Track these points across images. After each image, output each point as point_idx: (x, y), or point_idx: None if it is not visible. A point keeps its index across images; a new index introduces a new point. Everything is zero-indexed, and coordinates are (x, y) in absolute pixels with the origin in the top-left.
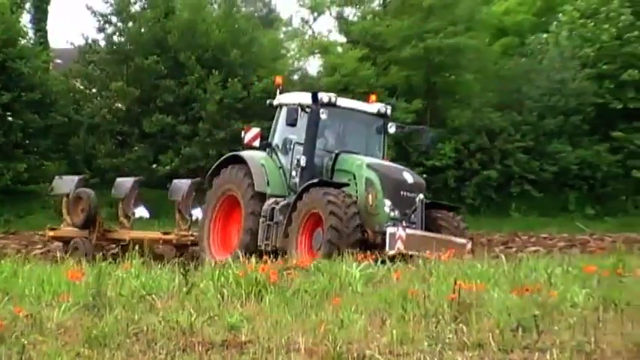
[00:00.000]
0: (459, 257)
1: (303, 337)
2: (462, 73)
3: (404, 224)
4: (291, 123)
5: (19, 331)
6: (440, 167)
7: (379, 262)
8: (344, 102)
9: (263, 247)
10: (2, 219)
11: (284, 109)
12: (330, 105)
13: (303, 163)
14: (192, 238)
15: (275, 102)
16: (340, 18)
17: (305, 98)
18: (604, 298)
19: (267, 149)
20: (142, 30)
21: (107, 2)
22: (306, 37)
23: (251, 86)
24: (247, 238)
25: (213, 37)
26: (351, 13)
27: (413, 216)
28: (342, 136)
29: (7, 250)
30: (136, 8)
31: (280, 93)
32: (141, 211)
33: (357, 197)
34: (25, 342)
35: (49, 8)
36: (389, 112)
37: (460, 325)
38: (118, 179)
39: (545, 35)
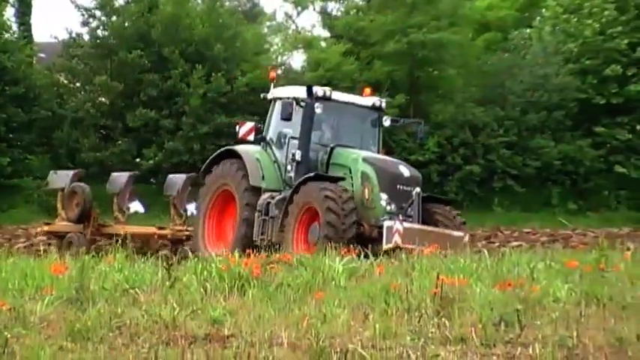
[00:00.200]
0: (457, 250)
1: (286, 331)
2: (445, 68)
3: (401, 218)
4: (286, 117)
5: (2, 324)
6: (423, 162)
7: (362, 257)
8: (339, 96)
9: (259, 242)
10: None
11: (278, 103)
12: (325, 99)
13: (298, 157)
14: (187, 233)
15: (269, 96)
16: (324, 13)
17: (300, 92)
18: (586, 293)
19: (262, 143)
20: (126, 24)
21: None
22: (290, 31)
23: (234, 81)
24: (242, 232)
25: (196, 32)
26: (334, 7)
27: (409, 209)
28: (337, 129)
29: None
30: (119, 2)
31: (274, 87)
32: (136, 206)
33: (352, 191)
34: (8, 335)
35: (33, 2)
36: (384, 105)
37: (443, 319)
38: (113, 174)
39: (528, 30)
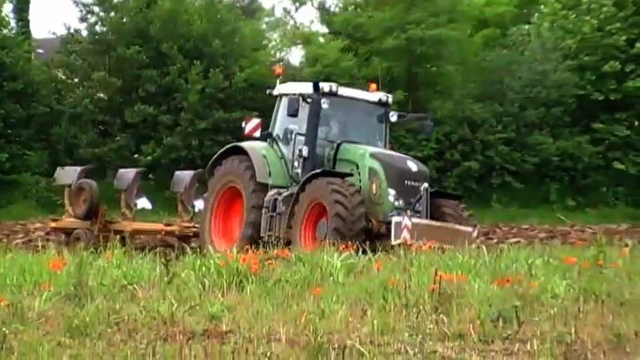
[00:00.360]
0: (465, 245)
1: (284, 327)
2: (443, 64)
3: (409, 213)
4: (293, 113)
5: (0, 320)
6: (421, 158)
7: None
8: (345, 91)
9: (266, 239)
10: None
11: (284, 100)
12: (332, 94)
13: (305, 153)
14: (194, 229)
15: (275, 92)
16: (322, 9)
17: (306, 88)
18: (584, 289)
19: (268, 140)
20: (124, 20)
21: None
22: (288, 27)
23: (233, 76)
24: (250, 229)
25: (195, 28)
26: (332, 3)
27: (417, 205)
28: (344, 125)
29: None
30: None
31: (280, 83)
32: (143, 202)
33: (360, 187)
34: (6, 331)
35: None
36: (390, 100)
37: (441, 315)
38: (121, 170)
39: (526, 27)
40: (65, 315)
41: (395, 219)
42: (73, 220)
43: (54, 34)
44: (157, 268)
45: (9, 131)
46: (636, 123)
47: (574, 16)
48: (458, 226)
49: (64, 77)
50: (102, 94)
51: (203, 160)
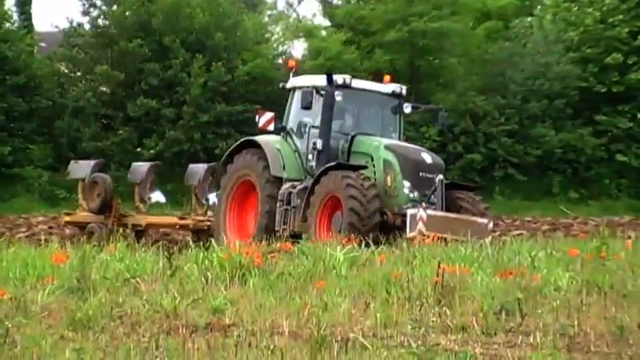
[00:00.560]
0: (481, 237)
1: (287, 320)
2: (446, 56)
3: (424, 205)
4: (306, 106)
5: (3, 313)
6: None
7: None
8: (359, 83)
9: (281, 232)
10: None
11: (298, 92)
12: (345, 86)
13: (319, 146)
14: (208, 222)
15: (288, 85)
16: (324, 1)
17: (319, 80)
18: (587, 281)
19: (282, 133)
20: (127, 13)
21: None
22: (291, 20)
23: (235, 69)
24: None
25: (197, 21)
26: None
27: (433, 197)
28: (358, 117)
29: None
30: None
31: (294, 76)
32: (157, 196)
33: (375, 179)
34: (9, 325)
35: None
36: (404, 92)
37: (444, 308)
38: (134, 164)
39: (529, 19)
40: (68, 308)
41: (410, 211)
42: (87, 214)
43: (56, 27)
44: (159, 261)
45: (11, 125)
46: (639, 115)
47: (576, 8)
48: (473, 218)
49: (66, 71)
50: (104, 88)
51: (206, 153)
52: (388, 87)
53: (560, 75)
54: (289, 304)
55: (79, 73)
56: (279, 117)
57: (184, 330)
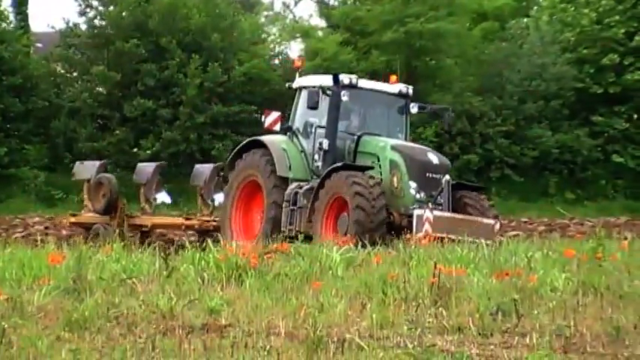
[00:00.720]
0: (488, 238)
1: (284, 320)
2: (442, 57)
3: (430, 206)
4: (313, 106)
5: (0, 314)
6: None
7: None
8: (365, 83)
9: (287, 232)
10: None
11: (304, 92)
12: (351, 86)
13: (325, 146)
14: (214, 223)
15: (294, 85)
16: (321, 2)
17: (326, 80)
18: (583, 282)
19: (288, 133)
20: (123, 14)
21: None
22: (287, 21)
23: (231, 70)
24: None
25: (193, 21)
26: None
27: (439, 197)
28: (364, 117)
29: None
30: None
31: (300, 76)
32: (162, 197)
33: (381, 179)
34: (6, 325)
35: None
36: (410, 92)
37: (440, 309)
38: (140, 164)
39: (525, 20)
40: (64, 309)
41: (417, 212)
42: (92, 215)
43: (53, 28)
44: (156, 262)
45: (8, 125)
46: (635, 116)
47: (573, 9)
48: (480, 219)
49: (63, 71)
50: (101, 88)
51: (202, 153)
52: (395, 87)
53: (557, 76)
54: (285, 305)
55: (75, 74)
56: (285, 117)
57: (181, 331)
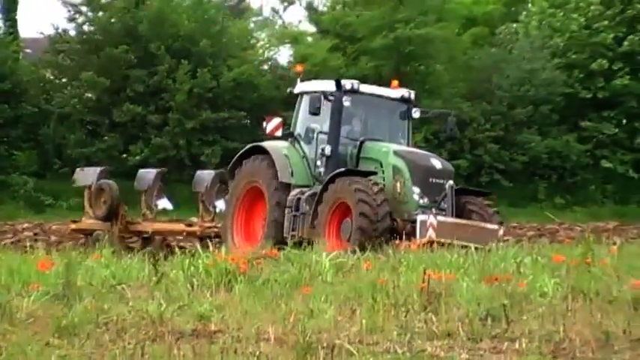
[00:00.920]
0: (492, 243)
1: (273, 326)
2: (431, 63)
3: (434, 211)
4: (314, 112)
5: None
6: None
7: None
8: (367, 88)
9: (289, 239)
10: None
11: (306, 98)
12: (353, 92)
13: (327, 152)
14: (216, 229)
15: (296, 90)
16: (310, 8)
17: (327, 86)
18: (573, 287)
19: (290, 139)
20: (112, 20)
21: None
22: (277, 26)
23: (221, 76)
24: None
25: (182, 27)
26: (320, 3)
27: (443, 203)
28: (366, 123)
29: None
30: None
31: (301, 81)
32: (164, 203)
33: (384, 185)
34: None
35: None
36: (412, 97)
37: (429, 314)
38: (141, 170)
39: (514, 25)
40: (54, 315)
41: (420, 217)
42: (93, 222)
43: (42, 33)
44: (145, 268)
45: None
46: (624, 121)
47: (562, 14)
48: (484, 224)
49: (52, 77)
50: (90, 94)
51: (191, 159)
52: (397, 92)
53: (546, 81)
54: (275, 311)
55: (64, 80)
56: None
57: (170, 336)
